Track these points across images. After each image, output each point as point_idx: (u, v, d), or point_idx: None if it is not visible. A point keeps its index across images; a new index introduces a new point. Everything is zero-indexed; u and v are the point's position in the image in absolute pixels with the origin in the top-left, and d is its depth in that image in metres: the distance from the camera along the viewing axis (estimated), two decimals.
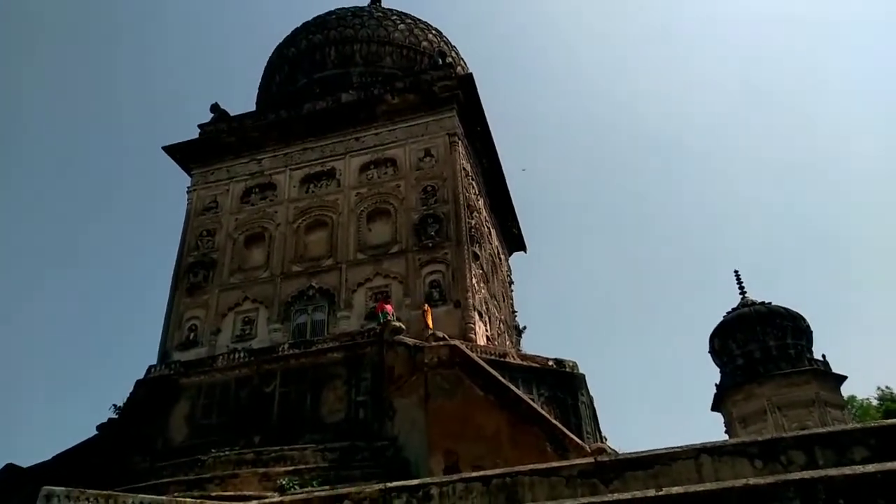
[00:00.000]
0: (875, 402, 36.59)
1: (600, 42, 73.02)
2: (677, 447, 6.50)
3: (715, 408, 29.25)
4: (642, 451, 6.67)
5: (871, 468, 5.38)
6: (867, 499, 5.04)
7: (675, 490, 5.78)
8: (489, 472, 6.83)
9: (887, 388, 36.26)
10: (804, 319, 28.16)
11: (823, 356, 27.38)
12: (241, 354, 13.84)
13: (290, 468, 10.69)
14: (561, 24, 72.07)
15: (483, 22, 71.14)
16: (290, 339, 15.13)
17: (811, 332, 28.15)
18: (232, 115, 20.21)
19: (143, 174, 61.62)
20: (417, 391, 10.95)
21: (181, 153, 19.44)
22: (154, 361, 15.84)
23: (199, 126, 19.99)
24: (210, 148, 19.28)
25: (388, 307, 14.17)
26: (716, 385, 29.01)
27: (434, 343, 11.31)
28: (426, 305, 14.44)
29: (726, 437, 28.61)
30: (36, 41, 54.76)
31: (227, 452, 11.64)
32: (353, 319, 15.26)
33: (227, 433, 12.70)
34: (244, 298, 16.39)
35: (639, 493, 5.94)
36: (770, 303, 29.17)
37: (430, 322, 13.97)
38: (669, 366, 66.83)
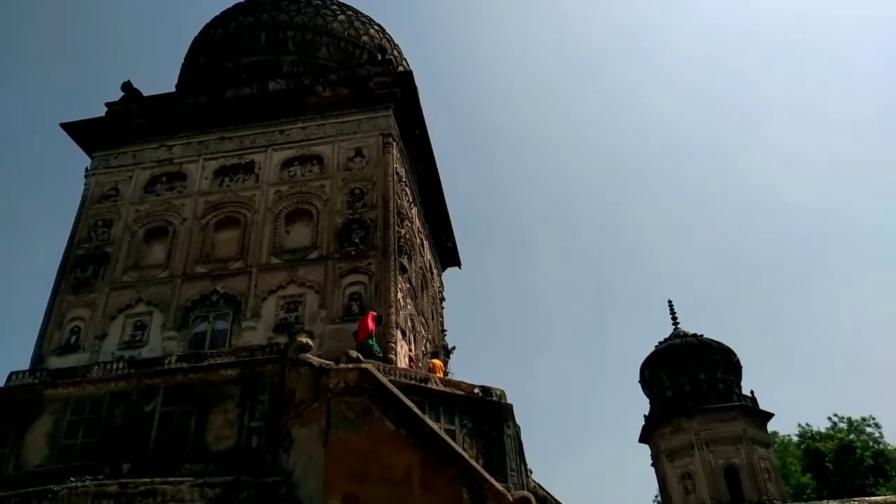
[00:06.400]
0: (796, 440, 37.15)
1: (553, 56, 73.53)
2: None
3: (643, 439, 28.59)
4: None
5: None
6: None
7: None
8: None
9: (808, 424, 36.93)
10: (734, 354, 27.92)
11: (752, 392, 27.17)
12: (120, 365, 11.89)
13: None
14: (514, 35, 72.19)
15: (434, 28, 70.44)
16: (187, 349, 13.32)
17: (741, 367, 27.93)
18: (148, 95, 18.26)
19: (41, 153, 57.55)
20: (318, 421, 9.36)
21: (83, 132, 17.32)
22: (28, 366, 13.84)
23: (107, 104, 17.94)
24: (116, 129, 17.23)
25: (369, 324, 12.32)
26: (644, 416, 28.37)
27: (342, 365, 9.74)
28: (435, 360, 14.84)
29: (653, 469, 28.02)
30: None
31: (86, 483, 9.72)
32: (259, 331, 13.58)
33: (93, 458, 10.72)
34: (137, 300, 14.45)
35: None
36: (702, 335, 28.85)
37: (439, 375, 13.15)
38: (601, 393, 67.06)
